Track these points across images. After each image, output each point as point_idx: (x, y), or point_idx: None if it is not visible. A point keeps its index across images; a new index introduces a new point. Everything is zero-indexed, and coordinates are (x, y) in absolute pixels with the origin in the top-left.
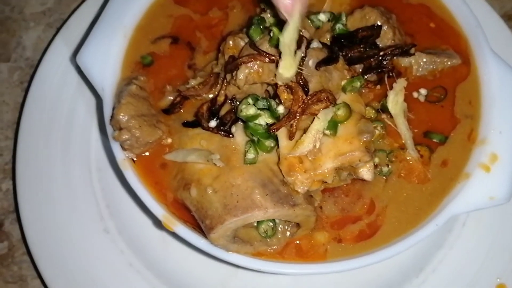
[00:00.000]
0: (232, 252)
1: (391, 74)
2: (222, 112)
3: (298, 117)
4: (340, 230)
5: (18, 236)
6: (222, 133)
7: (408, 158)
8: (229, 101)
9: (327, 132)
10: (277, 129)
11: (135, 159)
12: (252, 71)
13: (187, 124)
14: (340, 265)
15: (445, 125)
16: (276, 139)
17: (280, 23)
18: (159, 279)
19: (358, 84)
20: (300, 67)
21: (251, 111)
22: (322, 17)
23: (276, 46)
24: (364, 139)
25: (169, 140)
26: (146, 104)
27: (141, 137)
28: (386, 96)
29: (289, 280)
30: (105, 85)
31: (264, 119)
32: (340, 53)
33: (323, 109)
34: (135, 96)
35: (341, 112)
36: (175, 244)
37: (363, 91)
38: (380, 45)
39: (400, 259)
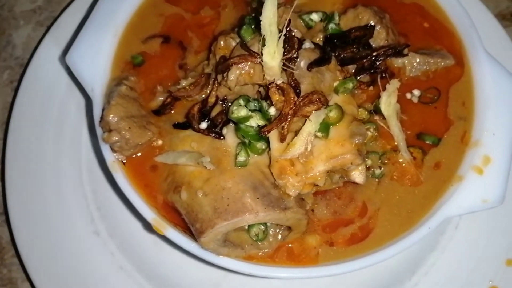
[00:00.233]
0: (223, 256)
1: (384, 75)
2: (213, 113)
3: (289, 119)
4: (332, 233)
5: (8, 238)
6: (213, 135)
7: (400, 160)
8: (220, 102)
9: (319, 134)
10: (269, 131)
11: (125, 161)
12: (243, 72)
13: (178, 126)
14: (332, 268)
15: (438, 127)
16: (267, 141)
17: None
18: (150, 282)
19: (350, 85)
20: (292, 67)
21: (243, 112)
22: (315, 16)
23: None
24: (356, 142)
25: (160, 142)
26: (136, 105)
27: (131, 139)
28: (379, 97)
29: (280, 284)
30: (94, 86)
31: (256, 121)
32: (333, 54)
33: (315, 111)
34: (125, 97)
35: (333, 114)
36: (166, 247)
37: (356, 92)
38: (373, 45)
39: (393, 262)
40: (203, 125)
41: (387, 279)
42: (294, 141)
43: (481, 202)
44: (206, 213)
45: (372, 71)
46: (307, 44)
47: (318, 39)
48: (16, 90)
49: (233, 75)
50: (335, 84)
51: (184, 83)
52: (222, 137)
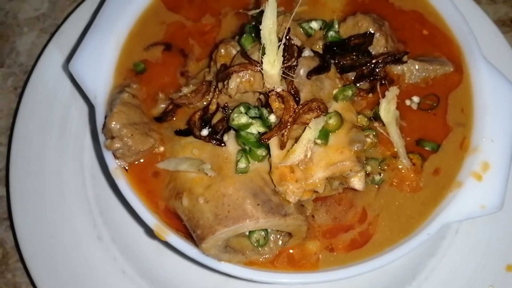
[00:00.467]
0: (224, 262)
1: (383, 82)
2: (214, 120)
3: (289, 126)
4: (332, 239)
5: (12, 243)
6: (214, 141)
7: (400, 166)
8: (221, 110)
9: (318, 141)
10: (269, 138)
11: (127, 167)
12: (243, 80)
13: (180, 133)
14: (332, 274)
15: (437, 133)
16: (267, 148)
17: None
18: (152, 287)
19: (349, 93)
20: (291, 75)
21: (243, 119)
22: (314, 25)
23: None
24: (355, 149)
25: (162, 149)
26: (138, 112)
27: (133, 146)
28: (378, 104)
29: None
30: (97, 93)
31: (256, 128)
32: (332, 61)
33: (314, 118)
34: (127, 104)
35: (332, 121)
36: (168, 252)
37: (356, 99)
38: (373, 53)
39: (393, 267)
40: (204, 132)
41: (387, 284)
42: (294, 148)
43: (480, 208)
44: (207, 220)
45: (371, 78)
46: (306, 52)
47: (317, 47)
48: (20, 96)
49: (233, 83)
50: (335, 91)
51: (185, 90)
52: (223, 144)
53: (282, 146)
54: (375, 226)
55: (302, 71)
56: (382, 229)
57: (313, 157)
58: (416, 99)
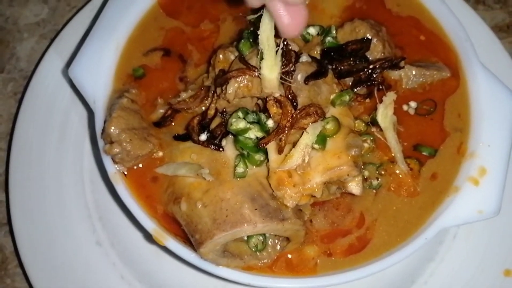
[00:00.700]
0: (222, 266)
1: (380, 87)
2: (213, 125)
3: (287, 131)
4: (330, 243)
5: (11, 248)
6: (213, 146)
7: (397, 171)
8: (220, 115)
9: (316, 146)
10: (267, 143)
11: (126, 172)
12: (241, 85)
13: (178, 138)
14: (330, 279)
15: (434, 138)
16: (265, 153)
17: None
18: None
19: (347, 98)
20: (289, 81)
21: (241, 124)
22: (312, 30)
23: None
24: (353, 154)
25: (160, 154)
26: (137, 117)
27: (132, 151)
28: (376, 109)
29: None
30: (96, 98)
31: (254, 133)
32: (330, 66)
33: (312, 123)
34: (126, 109)
35: (330, 126)
36: (166, 257)
37: (353, 104)
38: (370, 58)
39: (391, 272)
40: (203, 137)
41: None
42: (291, 153)
43: (477, 213)
44: (205, 224)
45: (369, 83)
46: (304, 58)
47: (315, 53)
48: (20, 101)
49: (231, 88)
50: (332, 96)
51: (184, 95)
52: (221, 149)
53: (280, 151)
54: (373, 231)
55: (299, 77)
56: (380, 233)
57: (310, 161)
58: (413, 104)
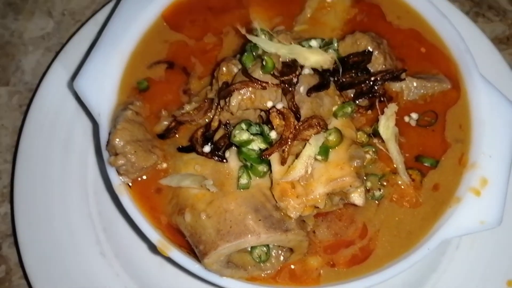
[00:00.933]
0: (226, 277)
1: (382, 99)
2: (216, 137)
3: (290, 142)
4: (333, 254)
5: (16, 260)
6: (216, 158)
7: (399, 182)
8: (223, 126)
9: (319, 157)
10: (270, 155)
11: (130, 184)
12: (245, 97)
13: (182, 149)
14: None
15: (436, 149)
16: (269, 164)
17: None
18: None
19: (349, 109)
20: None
21: (244, 136)
22: (314, 43)
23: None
24: (355, 165)
25: (164, 165)
26: (141, 129)
27: (137, 162)
28: (377, 120)
29: None
30: (101, 111)
31: (257, 144)
32: (332, 79)
33: (314, 134)
34: (130, 121)
35: (332, 138)
36: (170, 268)
37: (355, 115)
38: (372, 70)
39: (394, 282)
40: (207, 148)
41: None
42: (294, 164)
43: (479, 224)
44: (209, 235)
45: (370, 95)
46: (306, 70)
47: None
48: (25, 114)
49: (235, 100)
50: (334, 108)
51: (188, 107)
52: (224, 160)
53: (283, 162)
54: (376, 241)
55: (302, 89)
56: (382, 244)
57: (313, 173)
58: (414, 115)
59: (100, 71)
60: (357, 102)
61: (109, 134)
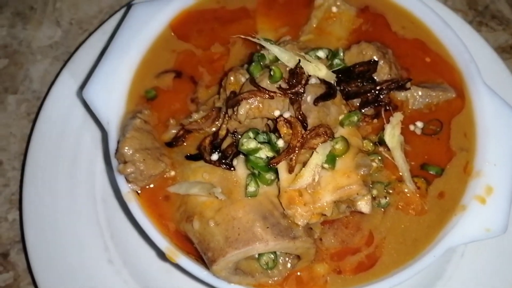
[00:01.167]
0: (234, 284)
1: (388, 108)
2: (224, 145)
3: (297, 151)
4: (339, 261)
5: (24, 266)
6: (224, 166)
7: (405, 190)
8: (231, 135)
9: (326, 165)
10: (277, 163)
11: (139, 191)
12: (252, 106)
13: (190, 157)
14: None
15: (441, 158)
16: (276, 172)
17: None
18: None
19: (355, 118)
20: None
21: (252, 144)
22: (321, 53)
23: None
24: (362, 173)
25: (172, 173)
26: (150, 137)
27: (145, 170)
28: (383, 129)
29: None
30: (110, 119)
31: (265, 153)
32: (338, 88)
33: (321, 143)
34: (139, 129)
35: (339, 146)
36: (178, 275)
37: (361, 124)
38: (377, 80)
39: None
40: (214, 156)
41: None
42: (302, 172)
43: (484, 231)
44: (218, 242)
45: (376, 104)
46: (313, 80)
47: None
48: (34, 122)
49: (243, 109)
50: (341, 117)
51: (195, 116)
52: (232, 168)
53: (290, 170)
54: (382, 249)
55: (309, 98)
56: (388, 251)
57: (320, 181)
58: (420, 124)
59: (109, 80)
60: (363, 111)
61: (118, 142)
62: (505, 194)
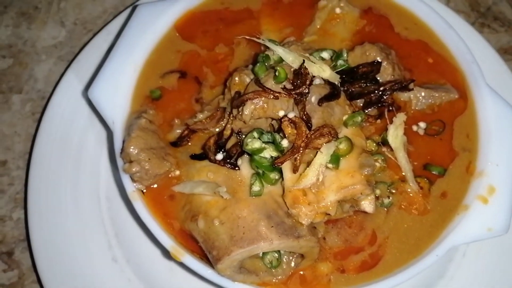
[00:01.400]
0: (239, 282)
1: (391, 109)
2: (229, 145)
3: (301, 151)
4: (343, 260)
5: (28, 264)
6: (229, 165)
7: (408, 190)
8: (235, 135)
9: (330, 165)
10: (282, 163)
11: (144, 190)
12: (257, 106)
13: (195, 157)
14: None
15: (444, 158)
16: (280, 172)
17: None
18: None
19: (359, 119)
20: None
21: (256, 144)
22: (325, 54)
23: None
24: (365, 173)
25: (177, 172)
26: (155, 137)
27: (151, 170)
28: (386, 129)
29: None
30: (115, 119)
31: (269, 153)
32: (342, 88)
33: (325, 143)
34: (144, 129)
35: (343, 146)
36: (181, 273)
37: (364, 125)
38: (380, 80)
39: None
40: (219, 156)
41: None
42: (306, 172)
43: (486, 231)
44: (223, 241)
45: (379, 105)
46: (317, 81)
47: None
48: (38, 121)
49: (248, 109)
50: (345, 117)
51: (200, 116)
52: (237, 168)
53: (294, 170)
54: (385, 248)
55: (313, 98)
56: (391, 251)
57: (324, 180)
58: (422, 125)
59: (114, 80)
60: (367, 111)
61: (123, 141)
62: (507, 194)
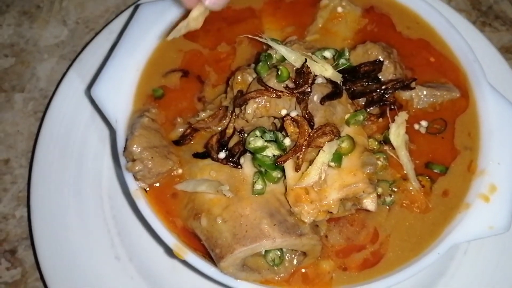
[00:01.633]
0: (241, 280)
1: (393, 107)
2: (231, 144)
3: (304, 149)
4: (345, 258)
5: (31, 262)
6: (231, 164)
7: (410, 188)
8: (238, 133)
9: (332, 164)
10: (284, 161)
11: (147, 189)
12: (260, 105)
13: (197, 155)
14: None
15: (445, 156)
16: (283, 171)
17: None
18: None
19: (361, 117)
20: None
21: (259, 143)
22: (327, 54)
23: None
24: (368, 171)
25: (180, 171)
26: (158, 136)
27: (153, 168)
28: (388, 128)
29: None
30: (118, 118)
31: (272, 151)
32: (344, 87)
33: (328, 142)
34: (147, 128)
35: (345, 145)
36: (184, 271)
37: (366, 123)
38: (382, 79)
39: (404, 286)
40: (222, 155)
41: None
42: (308, 171)
43: (488, 229)
44: (226, 239)
45: (381, 103)
46: (319, 79)
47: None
48: (41, 120)
49: (250, 108)
50: (347, 116)
51: (203, 115)
52: (239, 166)
53: (297, 168)
54: (387, 246)
55: (315, 97)
56: (393, 248)
57: (327, 179)
58: (424, 123)
59: (116, 79)
60: (369, 110)
61: (126, 140)
62: (509, 192)
